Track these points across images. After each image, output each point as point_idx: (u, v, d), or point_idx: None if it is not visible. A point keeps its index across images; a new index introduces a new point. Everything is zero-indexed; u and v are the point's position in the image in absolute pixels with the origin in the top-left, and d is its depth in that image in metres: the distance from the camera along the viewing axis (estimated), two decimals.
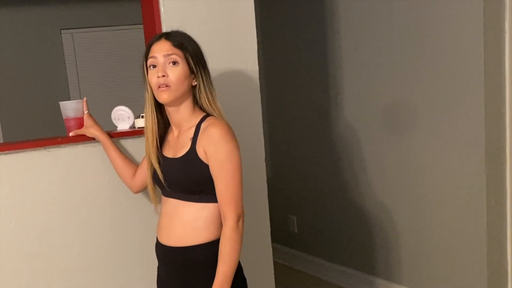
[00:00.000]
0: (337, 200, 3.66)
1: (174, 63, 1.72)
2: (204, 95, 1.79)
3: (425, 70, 2.96)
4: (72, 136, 2.12)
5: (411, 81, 3.05)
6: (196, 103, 1.82)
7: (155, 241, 1.91)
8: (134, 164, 2.09)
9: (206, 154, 1.73)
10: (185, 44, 1.76)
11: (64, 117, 2.15)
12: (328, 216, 3.76)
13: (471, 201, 2.83)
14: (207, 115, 1.81)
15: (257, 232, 2.55)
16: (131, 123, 2.26)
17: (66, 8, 4.51)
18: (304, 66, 3.80)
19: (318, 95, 3.70)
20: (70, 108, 2.13)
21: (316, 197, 3.84)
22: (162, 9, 2.32)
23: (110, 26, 4.62)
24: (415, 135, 3.07)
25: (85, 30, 4.61)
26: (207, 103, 1.80)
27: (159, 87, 1.72)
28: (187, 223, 1.76)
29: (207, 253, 1.75)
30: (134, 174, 2.05)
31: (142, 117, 2.21)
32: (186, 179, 1.76)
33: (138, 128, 2.24)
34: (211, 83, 1.81)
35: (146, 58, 1.77)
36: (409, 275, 3.24)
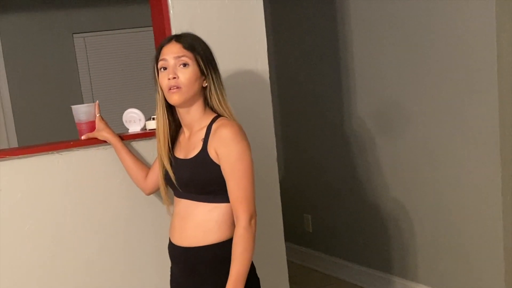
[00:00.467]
0: (352, 199, 3.64)
1: (185, 65, 1.74)
2: (215, 96, 1.80)
3: (438, 66, 2.94)
4: (84, 140, 2.14)
5: (424, 78, 3.03)
6: (207, 104, 1.83)
7: (168, 242, 1.92)
8: (146, 166, 2.10)
9: (217, 154, 1.73)
10: (195, 46, 1.77)
11: (76, 121, 2.17)
12: (343, 214, 3.74)
13: (487, 198, 2.80)
14: (218, 115, 1.81)
15: (271, 232, 2.55)
16: (142, 125, 2.28)
17: (77, 12, 4.55)
18: (315, 65, 3.79)
19: (330, 93, 3.69)
20: (82, 111, 2.15)
21: (331, 196, 3.83)
22: (171, 11, 2.33)
23: (121, 29, 4.65)
24: (429, 132, 3.05)
25: (97, 33, 4.64)
26: (218, 104, 1.81)
27: (170, 89, 1.74)
28: (200, 223, 1.77)
29: (220, 253, 1.76)
30: (146, 176, 2.06)
31: (153, 119, 2.23)
32: (198, 179, 1.76)
33: (149, 130, 2.25)
34: (221, 84, 1.82)
35: (157, 61, 1.79)
36: (425, 273, 3.22)
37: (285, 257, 2.63)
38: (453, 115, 2.90)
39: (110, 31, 4.64)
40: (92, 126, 2.16)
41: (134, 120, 2.27)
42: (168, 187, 1.91)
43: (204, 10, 2.38)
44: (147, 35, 4.31)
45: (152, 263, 2.25)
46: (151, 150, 2.19)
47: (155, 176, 2.00)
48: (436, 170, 3.05)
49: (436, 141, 3.02)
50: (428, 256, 3.18)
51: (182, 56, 1.74)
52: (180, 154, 1.85)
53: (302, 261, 4.14)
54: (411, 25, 3.04)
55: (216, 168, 1.74)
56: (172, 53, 1.74)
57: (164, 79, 1.75)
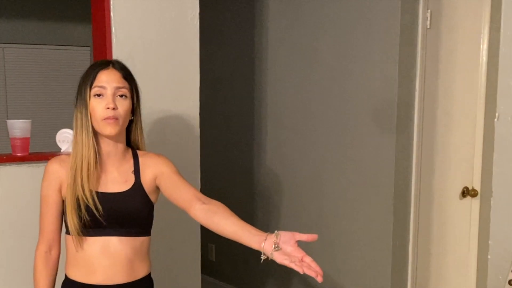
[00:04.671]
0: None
1: (123, 96, 1.69)
2: (139, 131, 1.81)
3: (341, 110, 3.17)
4: (18, 156, 2.17)
5: (324, 119, 3.27)
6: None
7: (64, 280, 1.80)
8: (55, 268, 1.82)
9: (156, 178, 1.76)
10: (132, 77, 1.76)
11: (10, 136, 2.19)
12: (243, 245, 3.88)
13: (379, 244, 3.07)
14: (134, 148, 1.82)
15: (188, 261, 2.68)
16: None
17: None
18: (232, 96, 4.00)
19: (240, 135, 3.90)
20: (17, 127, 2.19)
21: None
22: (114, 39, 2.43)
23: (44, 44, 4.57)
24: (328, 173, 3.28)
25: (18, 46, 4.52)
26: (139, 139, 1.82)
27: (106, 119, 1.66)
28: (133, 257, 1.75)
29: (149, 285, 1.82)
30: (54, 248, 1.81)
31: None
32: (138, 212, 1.74)
33: None
34: (141, 119, 1.82)
35: (91, 85, 1.68)
36: None
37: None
38: (351, 160, 3.15)
39: (32, 45, 4.54)
40: (26, 143, 2.20)
41: (67, 140, 2.33)
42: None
43: (145, 41, 2.50)
44: (71, 54, 4.32)
45: None
46: None
47: (59, 228, 1.79)
48: (334, 213, 3.28)
49: (334, 182, 3.25)
50: None
51: (123, 87, 1.69)
52: (99, 187, 1.72)
53: None
54: (320, 58, 3.26)
55: (149, 201, 1.77)
56: (112, 81, 1.68)
57: (99, 107, 1.66)
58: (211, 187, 4.10)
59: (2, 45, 4.48)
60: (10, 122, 2.19)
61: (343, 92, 3.16)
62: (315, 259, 3.24)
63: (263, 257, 1.51)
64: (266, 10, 3.63)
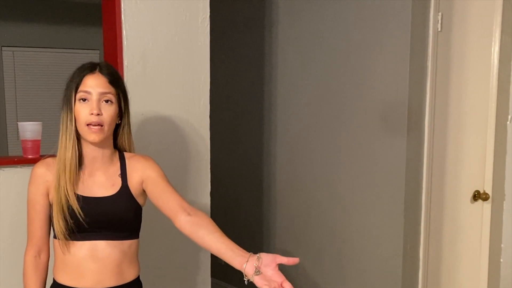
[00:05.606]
0: (264, 234, 3.82)
1: (108, 101, 1.67)
2: (126, 135, 1.80)
3: (350, 110, 3.15)
4: (28, 158, 2.16)
5: (335, 121, 3.24)
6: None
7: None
8: (45, 273, 1.81)
9: (143, 182, 1.75)
10: (119, 82, 1.73)
11: (21, 138, 2.20)
12: (253, 248, 3.87)
13: (390, 248, 3.05)
14: (120, 151, 1.81)
15: (198, 264, 2.68)
16: None
17: (9, 25, 4.46)
18: (241, 102, 4.00)
19: (251, 150, 3.88)
20: (28, 129, 2.19)
21: (244, 230, 3.98)
22: (124, 42, 2.42)
23: (53, 48, 4.60)
24: (338, 176, 3.26)
25: (28, 49, 4.55)
26: (126, 141, 1.81)
27: (90, 124, 1.64)
28: (121, 261, 1.75)
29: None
30: (43, 252, 1.81)
31: None
32: (127, 216, 1.74)
33: None
34: (130, 123, 1.81)
35: (76, 89, 1.66)
36: None
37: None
38: (362, 163, 3.12)
39: (42, 48, 4.57)
40: (37, 145, 2.20)
41: None
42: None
43: (156, 44, 2.49)
44: (81, 57, 4.32)
45: None
46: None
47: (47, 229, 1.78)
48: (345, 216, 3.26)
49: (345, 189, 3.22)
50: None
51: (108, 92, 1.66)
52: (85, 192, 1.72)
53: None
54: (326, 70, 3.25)
55: (137, 204, 1.77)
56: (97, 86, 1.65)
57: (83, 112, 1.64)
58: (221, 191, 4.13)
59: (12, 48, 4.52)
60: (21, 125, 2.19)
61: (354, 95, 3.14)
62: (325, 261, 3.25)
63: (245, 279, 1.49)
64: (275, 13, 3.63)
